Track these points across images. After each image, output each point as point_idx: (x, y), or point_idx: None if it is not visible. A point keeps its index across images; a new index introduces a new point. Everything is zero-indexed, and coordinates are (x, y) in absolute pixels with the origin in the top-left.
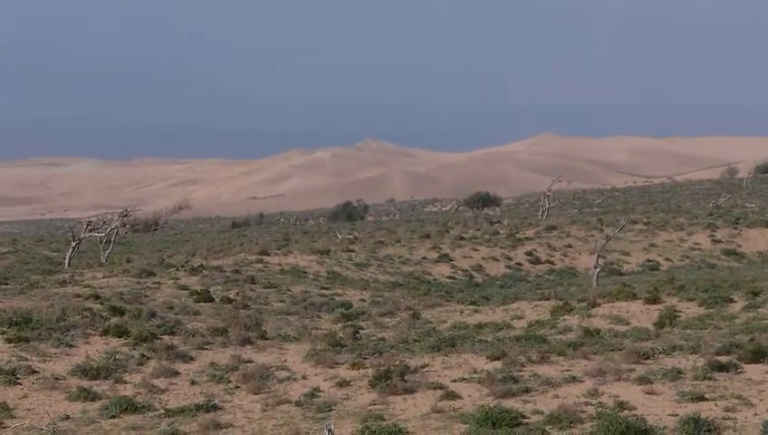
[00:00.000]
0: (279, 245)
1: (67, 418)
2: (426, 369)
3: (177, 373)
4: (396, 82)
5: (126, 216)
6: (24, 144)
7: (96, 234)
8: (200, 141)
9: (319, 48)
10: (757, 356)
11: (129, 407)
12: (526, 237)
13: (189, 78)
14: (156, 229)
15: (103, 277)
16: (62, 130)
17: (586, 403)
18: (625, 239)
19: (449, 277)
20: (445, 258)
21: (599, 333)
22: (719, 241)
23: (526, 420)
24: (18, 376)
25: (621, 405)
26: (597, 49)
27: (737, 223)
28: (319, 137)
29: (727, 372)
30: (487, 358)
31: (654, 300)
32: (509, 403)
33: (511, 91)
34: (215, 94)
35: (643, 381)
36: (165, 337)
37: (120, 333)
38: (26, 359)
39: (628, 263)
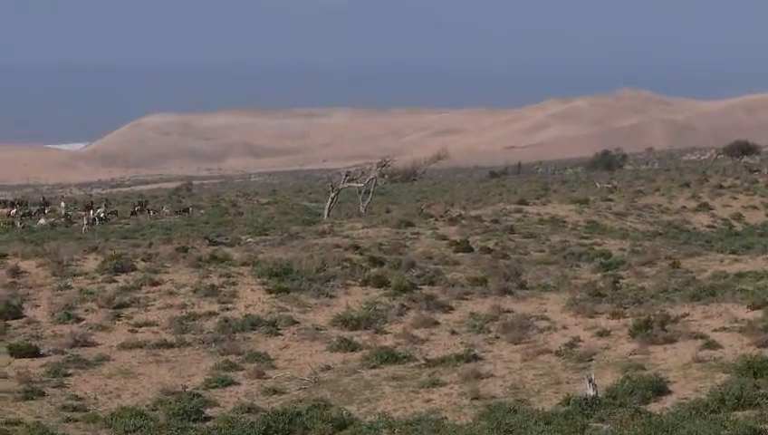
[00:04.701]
0: (538, 194)
1: (328, 368)
2: (686, 318)
3: (436, 323)
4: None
5: (384, 166)
6: (285, 93)
7: (355, 184)
8: (455, 89)
9: None
10: None
11: (389, 357)
12: None
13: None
14: (414, 179)
15: (362, 228)
16: (319, 79)
17: None
18: None
19: (708, 226)
20: (704, 207)
21: None
22: None
23: None
24: (279, 327)
25: None
26: None
27: None
28: (574, 83)
29: None
30: (748, 307)
31: None
32: None
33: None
34: (469, 40)
35: None
36: (424, 287)
37: (380, 283)
38: (287, 310)
39: None
